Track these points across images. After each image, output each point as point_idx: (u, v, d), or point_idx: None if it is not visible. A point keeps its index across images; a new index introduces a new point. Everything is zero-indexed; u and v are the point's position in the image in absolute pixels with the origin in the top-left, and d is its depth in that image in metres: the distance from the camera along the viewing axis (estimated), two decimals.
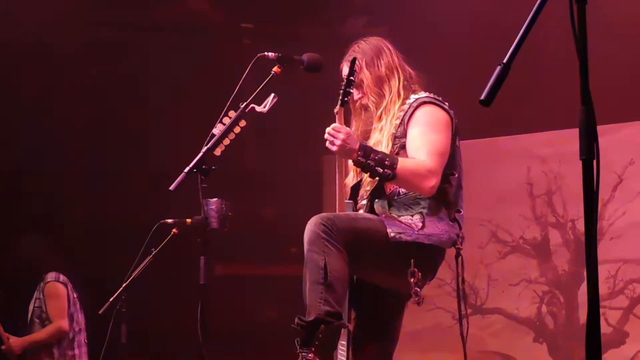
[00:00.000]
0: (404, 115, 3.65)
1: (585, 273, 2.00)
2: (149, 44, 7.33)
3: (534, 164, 7.59)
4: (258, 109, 3.66)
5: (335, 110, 3.60)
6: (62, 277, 6.30)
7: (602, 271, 6.85)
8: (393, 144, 3.63)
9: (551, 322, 7.41)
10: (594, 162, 1.99)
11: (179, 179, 3.60)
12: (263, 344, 7.22)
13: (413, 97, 3.72)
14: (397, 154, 3.60)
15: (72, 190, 7.98)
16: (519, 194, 7.61)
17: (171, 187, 3.59)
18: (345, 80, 3.59)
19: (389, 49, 3.83)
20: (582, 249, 1.98)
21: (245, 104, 3.67)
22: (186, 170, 3.61)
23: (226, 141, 3.65)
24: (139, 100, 7.55)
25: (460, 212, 3.69)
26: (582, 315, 7.20)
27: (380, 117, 3.73)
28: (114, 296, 5.41)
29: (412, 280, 3.51)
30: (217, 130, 3.65)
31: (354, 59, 3.61)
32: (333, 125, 3.55)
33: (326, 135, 3.53)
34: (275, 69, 3.68)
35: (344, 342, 3.63)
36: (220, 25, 7.30)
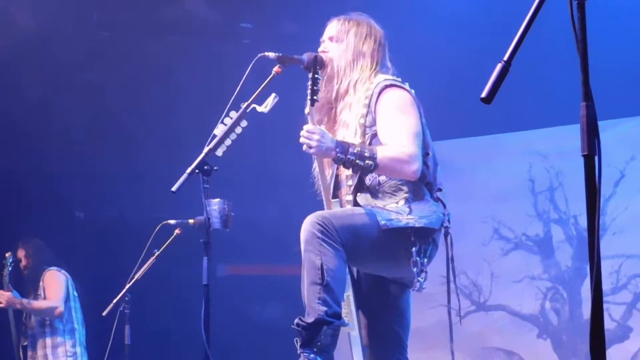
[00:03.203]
0: (370, 102, 3.63)
1: (588, 269, 2.00)
2: (149, 45, 7.33)
3: (535, 160, 7.59)
4: (259, 109, 3.66)
5: (307, 111, 3.56)
6: (63, 271, 6.37)
7: (605, 266, 6.85)
8: (363, 134, 3.62)
9: (555, 318, 7.41)
10: (596, 158, 1.99)
11: (181, 179, 3.61)
12: (266, 344, 7.22)
13: (375, 81, 3.69)
14: (370, 143, 3.59)
15: (74, 191, 7.99)
16: (521, 190, 7.62)
17: (173, 188, 3.59)
18: (310, 80, 3.57)
19: (379, 40, 3.82)
20: (585, 245, 1.98)
21: (246, 104, 3.67)
22: (188, 171, 3.62)
23: (228, 141, 3.65)
24: (139, 101, 7.55)
25: (441, 189, 3.69)
26: (586, 310, 7.20)
27: (347, 91, 3.71)
28: (118, 297, 5.42)
29: (415, 269, 3.52)
30: (219, 130, 3.65)
31: (318, 57, 3.61)
32: (306, 127, 3.51)
33: (301, 139, 3.52)
34: (275, 69, 3.67)
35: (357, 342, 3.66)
36: (220, 26, 7.29)
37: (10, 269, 6.26)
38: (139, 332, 5.73)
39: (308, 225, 3.41)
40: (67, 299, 6.31)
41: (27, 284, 6.42)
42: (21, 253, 6.46)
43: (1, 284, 6.29)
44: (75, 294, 6.41)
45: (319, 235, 3.36)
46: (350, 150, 3.47)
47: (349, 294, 3.68)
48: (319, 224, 3.38)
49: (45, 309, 6.25)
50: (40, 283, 6.32)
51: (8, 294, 6.21)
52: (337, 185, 3.75)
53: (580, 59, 2.02)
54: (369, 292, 3.78)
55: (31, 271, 6.42)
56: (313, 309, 3.34)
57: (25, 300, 6.23)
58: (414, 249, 3.52)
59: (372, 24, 3.86)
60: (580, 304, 7.31)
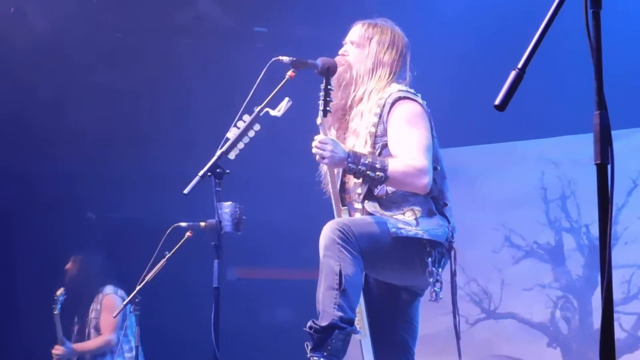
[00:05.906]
0: (382, 111, 3.64)
1: (599, 278, 1.99)
2: (163, 47, 7.34)
3: (548, 168, 7.58)
4: (272, 112, 3.66)
5: (319, 122, 3.57)
6: (120, 291, 6.36)
7: (616, 276, 6.82)
8: (374, 143, 3.62)
9: (565, 327, 7.39)
10: (608, 167, 1.98)
11: (193, 182, 3.61)
12: (276, 347, 7.22)
13: (388, 90, 3.69)
14: (380, 153, 3.60)
15: (86, 192, 8.00)
16: (533, 198, 7.61)
17: (185, 191, 3.60)
18: (323, 91, 3.57)
19: (401, 50, 3.81)
20: (596, 254, 1.97)
21: (259, 108, 3.67)
22: (200, 173, 3.62)
23: (240, 145, 3.66)
24: (153, 104, 7.57)
25: (447, 204, 3.68)
26: (596, 320, 7.18)
27: (361, 99, 3.72)
28: (128, 299, 5.43)
29: (431, 279, 3.53)
30: (232, 134, 3.66)
31: (331, 67, 3.60)
32: (319, 138, 3.54)
33: (314, 149, 3.54)
34: (289, 73, 3.67)
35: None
36: (234, 30, 7.30)
37: (60, 305, 6.19)
38: (148, 334, 5.73)
39: (328, 232, 3.42)
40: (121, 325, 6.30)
41: (79, 300, 6.40)
42: (74, 267, 6.45)
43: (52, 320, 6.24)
44: (131, 311, 6.38)
45: (339, 241, 3.38)
46: (362, 160, 3.49)
47: (360, 301, 3.68)
48: (339, 230, 3.40)
49: (100, 346, 6.26)
50: (96, 306, 6.31)
51: (61, 348, 6.19)
52: (342, 189, 3.75)
53: (594, 68, 2.02)
54: (379, 299, 3.79)
55: (82, 288, 6.41)
56: (328, 313, 3.35)
57: (77, 347, 6.24)
58: (429, 259, 3.53)
59: (397, 33, 3.84)
60: (590, 314, 7.29)
